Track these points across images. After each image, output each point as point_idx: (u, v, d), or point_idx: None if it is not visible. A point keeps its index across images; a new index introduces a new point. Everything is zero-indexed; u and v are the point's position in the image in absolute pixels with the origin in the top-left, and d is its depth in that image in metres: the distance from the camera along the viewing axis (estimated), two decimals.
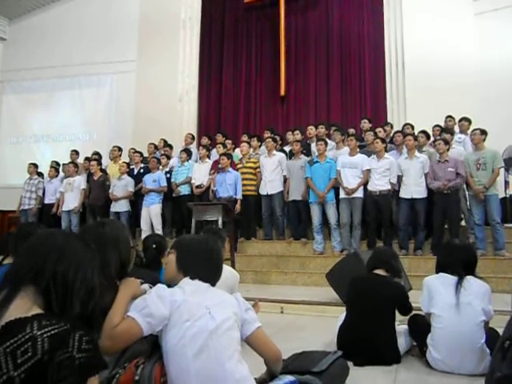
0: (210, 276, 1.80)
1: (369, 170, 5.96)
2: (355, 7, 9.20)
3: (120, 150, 8.04)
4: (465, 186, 5.87)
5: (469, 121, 6.57)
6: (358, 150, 6.25)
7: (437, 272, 2.80)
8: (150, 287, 1.75)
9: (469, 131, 6.37)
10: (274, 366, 1.82)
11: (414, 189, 5.79)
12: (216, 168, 6.70)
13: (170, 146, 8.00)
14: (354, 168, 6.01)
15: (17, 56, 10.96)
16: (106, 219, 2.00)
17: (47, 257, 1.12)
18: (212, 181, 6.70)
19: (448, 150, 5.72)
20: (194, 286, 1.71)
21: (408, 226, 5.90)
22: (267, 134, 7.37)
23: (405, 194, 5.85)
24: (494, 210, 5.51)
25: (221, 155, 6.70)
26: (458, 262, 2.68)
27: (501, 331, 1.85)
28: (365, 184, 6.00)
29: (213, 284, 1.80)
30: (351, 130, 6.88)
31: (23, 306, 1.04)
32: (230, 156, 6.73)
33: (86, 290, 1.14)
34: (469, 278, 2.64)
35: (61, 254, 1.14)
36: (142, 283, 1.75)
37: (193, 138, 8.31)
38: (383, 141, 6.07)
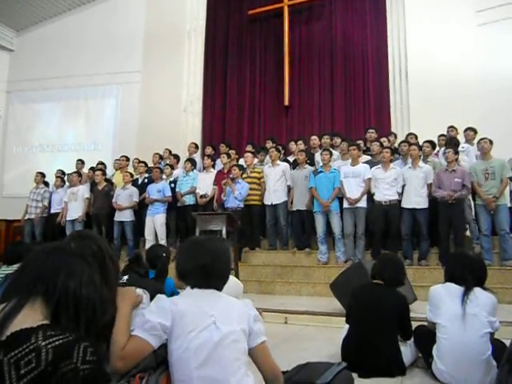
0: (210, 281, 1.67)
1: (370, 179, 5.95)
2: (358, 18, 9.27)
3: (128, 159, 8.07)
4: (470, 196, 5.84)
5: (474, 131, 6.55)
6: (363, 159, 6.25)
7: (446, 281, 2.76)
8: (144, 292, 1.73)
9: (474, 141, 6.36)
10: None
11: (415, 199, 5.76)
12: (229, 177, 6.61)
13: (177, 157, 7.94)
14: (356, 177, 6.01)
15: (24, 67, 11.06)
16: (80, 231, 1.89)
17: (58, 272, 1.11)
18: (224, 190, 6.60)
19: (457, 160, 5.69)
20: (195, 295, 1.64)
21: (411, 235, 5.87)
22: (269, 144, 7.38)
23: (406, 203, 5.83)
24: (503, 219, 5.47)
25: (232, 166, 6.75)
26: (469, 274, 2.64)
27: (507, 343, 1.83)
28: (369, 194, 5.99)
29: (219, 288, 1.69)
30: (360, 142, 6.78)
31: (32, 317, 1.03)
32: (242, 167, 6.78)
33: (101, 311, 1.14)
34: (476, 289, 2.61)
35: (69, 271, 1.13)
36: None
37: (196, 146, 8.33)
38: (391, 150, 6.07)
